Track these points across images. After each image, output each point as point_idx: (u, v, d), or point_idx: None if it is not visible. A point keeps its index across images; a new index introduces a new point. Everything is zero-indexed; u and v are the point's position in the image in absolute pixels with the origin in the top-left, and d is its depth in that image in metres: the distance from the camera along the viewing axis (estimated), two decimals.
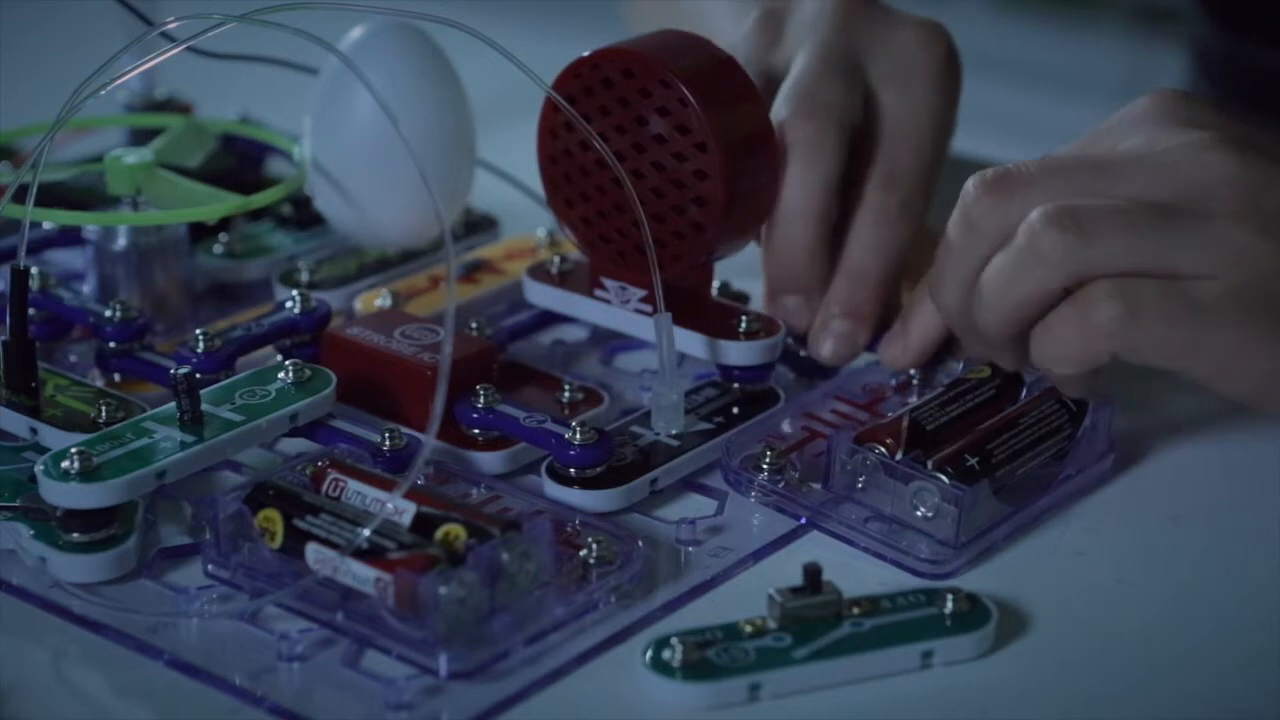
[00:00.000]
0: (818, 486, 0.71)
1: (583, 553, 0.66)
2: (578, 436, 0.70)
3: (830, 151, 0.76)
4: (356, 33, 0.80)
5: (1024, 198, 0.69)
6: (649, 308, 0.76)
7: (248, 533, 0.65)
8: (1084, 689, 0.63)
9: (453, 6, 0.76)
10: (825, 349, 0.78)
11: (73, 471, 0.65)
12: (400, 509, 0.64)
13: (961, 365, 0.75)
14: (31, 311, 0.74)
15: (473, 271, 0.85)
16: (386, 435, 0.70)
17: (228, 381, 0.71)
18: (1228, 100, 1.12)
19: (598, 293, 0.78)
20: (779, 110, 0.77)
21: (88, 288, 0.82)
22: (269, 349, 0.77)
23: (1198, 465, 0.75)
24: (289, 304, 0.77)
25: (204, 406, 0.68)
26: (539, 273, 0.80)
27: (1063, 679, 0.64)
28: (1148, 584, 0.69)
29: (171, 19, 0.73)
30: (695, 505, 0.72)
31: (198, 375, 0.69)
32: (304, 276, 0.83)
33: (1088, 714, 0.62)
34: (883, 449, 0.69)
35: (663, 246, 0.75)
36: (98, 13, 0.92)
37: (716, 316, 0.76)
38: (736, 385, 0.76)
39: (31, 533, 0.66)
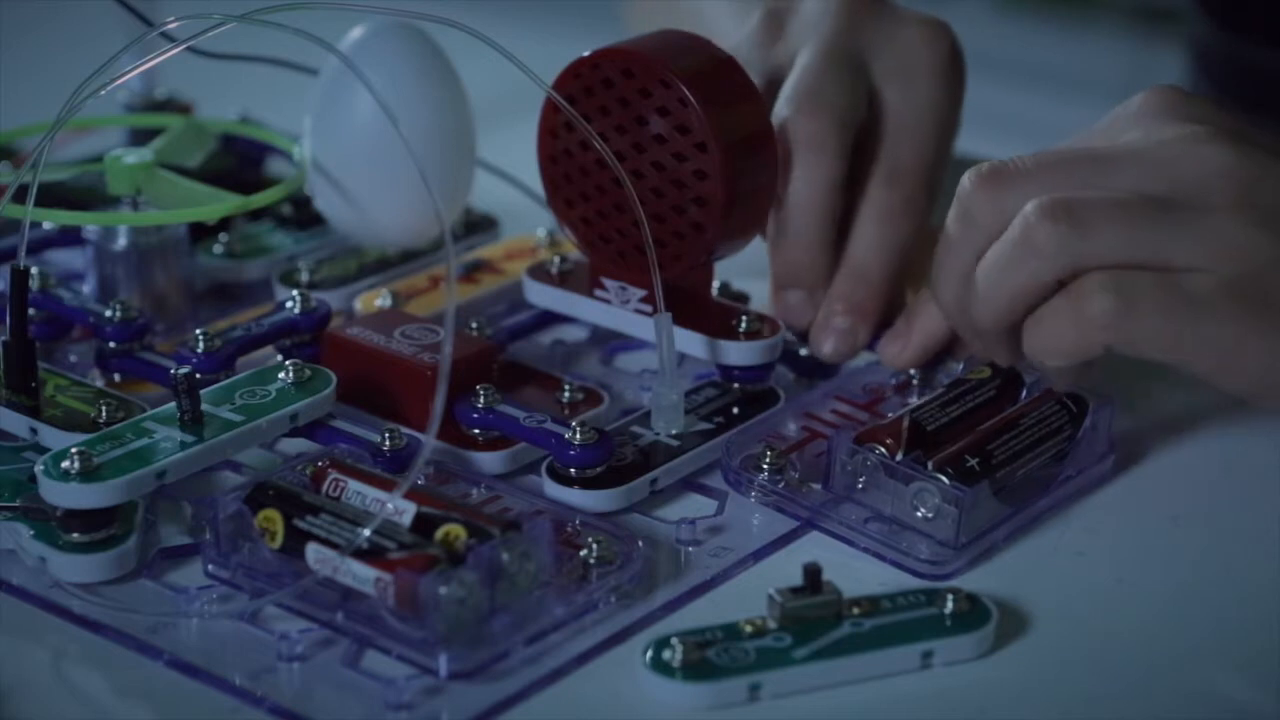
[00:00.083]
0: (818, 487, 0.71)
1: (583, 553, 0.66)
2: (578, 436, 0.70)
3: (835, 149, 0.77)
4: (356, 33, 0.80)
5: (1019, 190, 0.69)
6: (649, 308, 0.76)
7: (248, 533, 0.65)
8: (1084, 689, 0.63)
9: (453, 6, 0.76)
10: (826, 346, 0.78)
11: (73, 471, 0.65)
12: (400, 509, 0.64)
13: (961, 366, 0.75)
14: (31, 311, 0.74)
15: (473, 271, 0.85)
16: (386, 435, 0.70)
17: (228, 381, 0.71)
18: (1227, 100, 1.12)
19: (598, 293, 0.78)
20: (783, 108, 0.77)
21: (88, 288, 0.81)
22: (269, 349, 0.77)
23: (1198, 465, 0.75)
24: (289, 304, 0.77)
25: (204, 406, 0.68)
26: (539, 273, 0.80)
27: (1063, 679, 0.64)
28: (1148, 584, 0.69)
29: (171, 19, 0.73)
30: (695, 505, 0.72)
31: (198, 375, 0.69)
32: (304, 276, 0.83)
33: (1088, 714, 0.62)
34: (883, 449, 0.69)
35: (663, 246, 0.75)
36: (98, 13, 0.92)
37: (716, 316, 0.76)
38: (736, 385, 0.76)
39: (31, 533, 0.66)
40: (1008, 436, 0.70)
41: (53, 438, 0.69)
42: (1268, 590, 0.68)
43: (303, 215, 0.87)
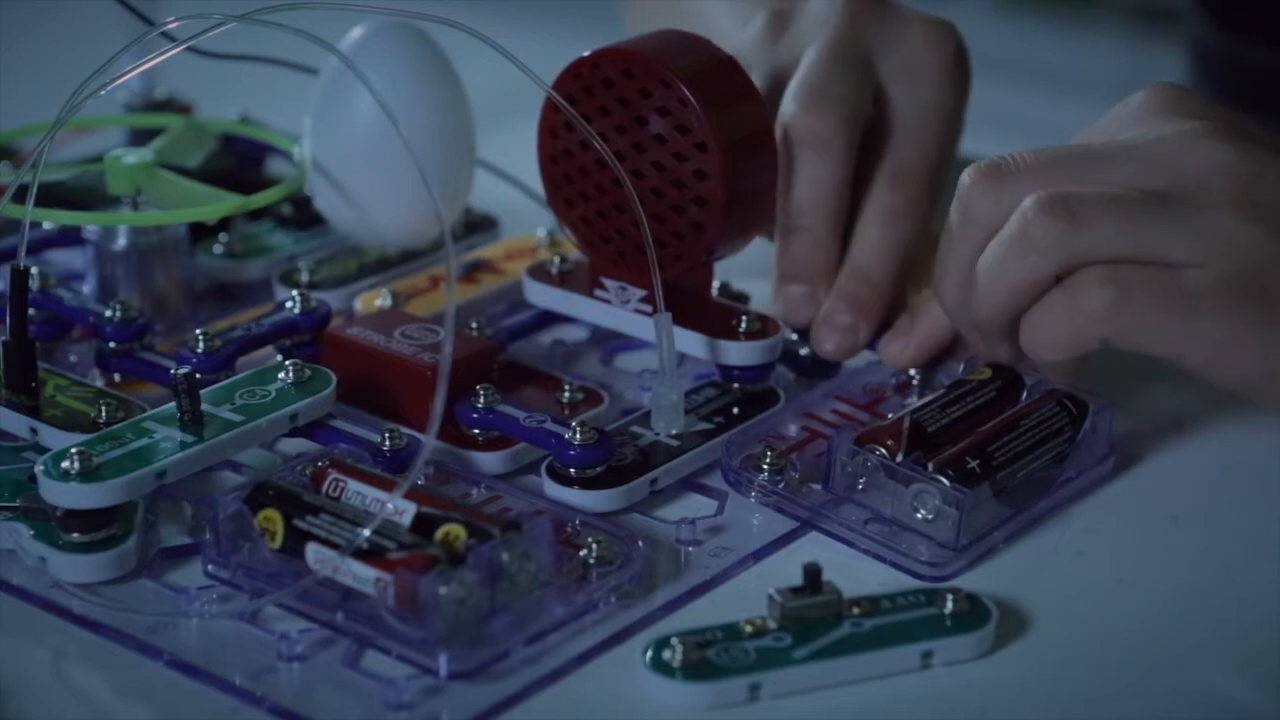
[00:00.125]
0: (818, 487, 0.71)
1: (583, 553, 0.66)
2: (578, 436, 0.70)
3: (841, 147, 0.77)
4: (356, 33, 0.80)
5: (1018, 185, 0.69)
6: (649, 308, 0.76)
7: (248, 533, 0.65)
8: (1084, 689, 0.63)
9: (453, 6, 0.76)
10: (828, 343, 0.78)
11: (73, 471, 0.65)
12: (400, 509, 0.64)
13: (962, 366, 0.75)
14: (31, 311, 0.74)
15: (473, 271, 0.85)
16: (386, 435, 0.70)
17: (228, 381, 0.71)
18: (1227, 100, 1.13)
19: (598, 293, 0.78)
20: (789, 106, 0.77)
21: (88, 288, 0.81)
22: (269, 349, 0.77)
23: (1198, 465, 0.75)
24: (289, 304, 0.77)
25: (204, 406, 0.68)
26: (539, 273, 0.80)
27: (1063, 679, 0.64)
28: (1148, 584, 0.69)
29: (171, 19, 0.73)
30: (695, 505, 0.72)
31: (198, 375, 0.69)
32: (304, 276, 0.83)
33: (1088, 714, 0.62)
34: (883, 450, 0.69)
35: (663, 246, 0.75)
36: (98, 13, 0.92)
37: (716, 316, 0.76)
38: (736, 385, 0.76)
39: (31, 533, 0.66)
40: (1008, 438, 0.70)
41: (53, 438, 0.69)
42: (1268, 590, 0.68)
43: (303, 215, 0.87)
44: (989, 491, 0.69)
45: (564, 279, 0.79)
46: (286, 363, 0.71)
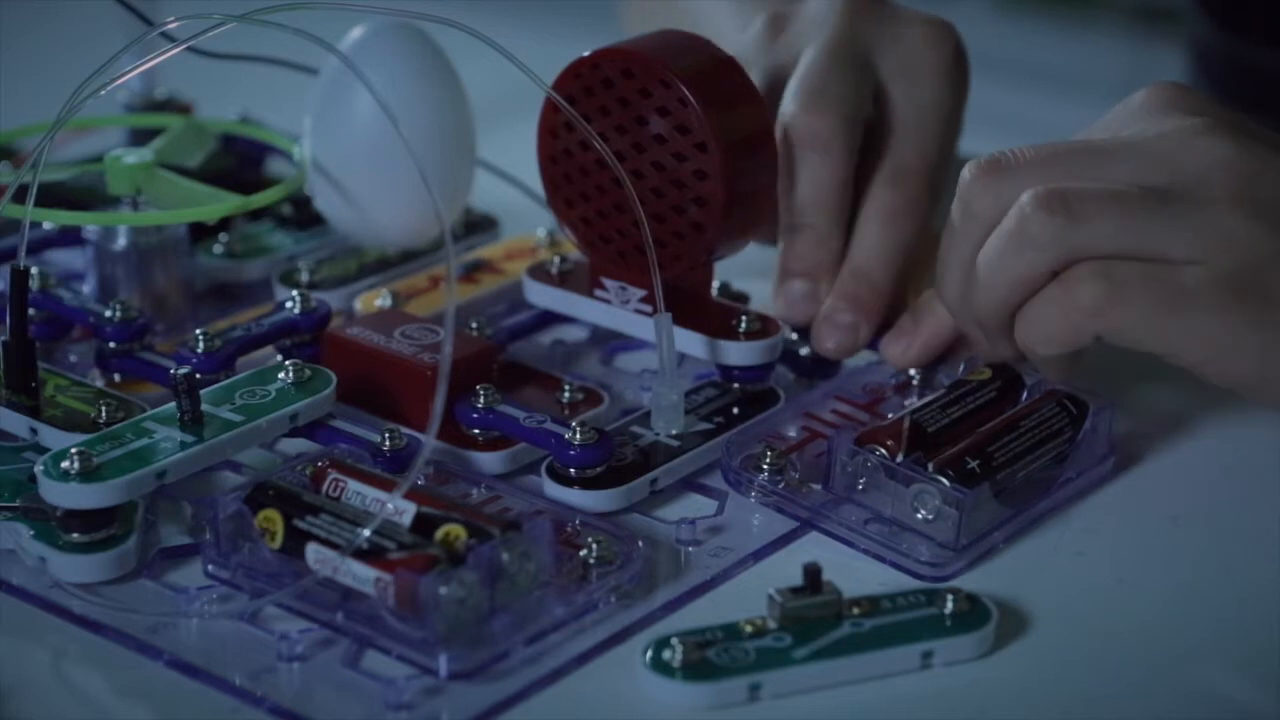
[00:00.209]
0: (818, 487, 0.71)
1: (583, 553, 0.66)
2: (578, 436, 0.70)
3: (842, 146, 0.77)
4: (356, 33, 0.80)
5: (1017, 181, 0.69)
6: (649, 308, 0.76)
7: (248, 533, 0.65)
8: (1084, 689, 0.63)
9: (453, 6, 0.76)
10: (829, 341, 0.78)
11: (73, 471, 0.65)
12: (400, 509, 0.64)
13: (963, 366, 0.75)
14: (31, 311, 0.74)
15: (473, 271, 0.85)
16: (386, 435, 0.70)
17: (228, 381, 0.71)
18: (1227, 100, 1.13)
19: (598, 293, 0.78)
20: (789, 106, 0.77)
21: (88, 288, 0.81)
22: (269, 349, 0.77)
23: (1198, 465, 0.75)
24: (289, 304, 0.77)
25: (204, 406, 0.68)
26: (539, 273, 0.80)
27: (1063, 679, 0.64)
28: (1148, 584, 0.69)
29: (171, 19, 0.73)
30: (695, 505, 0.72)
31: (198, 375, 0.69)
32: (304, 276, 0.83)
33: (1088, 714, 0.62)
34: (884, 451, 0.69)
35: (663, 246, 0.75)
36: (98, 13, 0.92)
37: (716, 316, 0.76)
38: (736, 385, 0.76)
39: (31, 533, 0.66)
40: (1008, 438, 0.70)
41: (53, 438, 0.69)
42: (1268, 590, 0.68)
43: (303, 215, 0.87)
44: (989, 492, 0.69)
45: (564, 279, 0.79)
46: (286, 363, 0.71)
